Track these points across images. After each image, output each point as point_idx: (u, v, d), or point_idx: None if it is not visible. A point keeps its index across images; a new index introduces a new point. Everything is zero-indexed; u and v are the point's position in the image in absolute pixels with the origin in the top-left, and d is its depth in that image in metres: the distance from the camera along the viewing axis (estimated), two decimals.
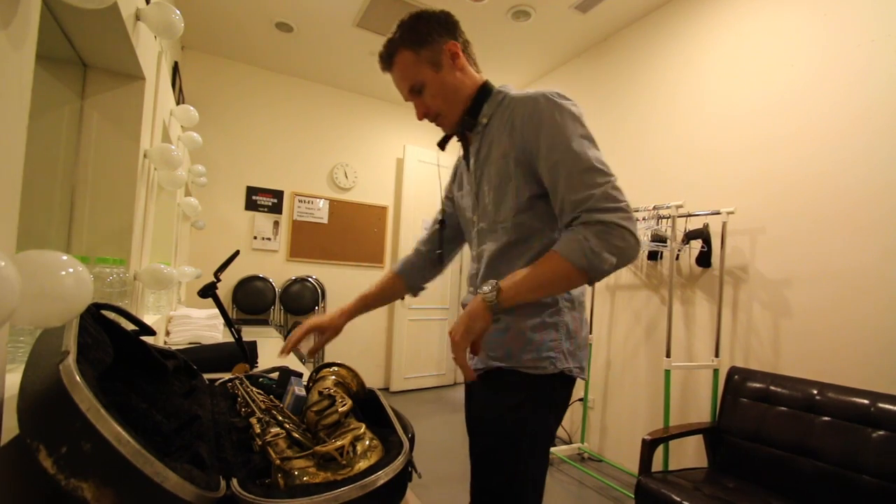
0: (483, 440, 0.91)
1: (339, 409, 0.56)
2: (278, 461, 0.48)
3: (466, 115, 0.94)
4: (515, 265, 0.88)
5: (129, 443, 0.35)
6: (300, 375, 1.19)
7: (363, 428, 0.54)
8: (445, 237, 1.13)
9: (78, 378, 0.36)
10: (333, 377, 0.67)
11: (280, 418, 0.58)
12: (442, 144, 1.05)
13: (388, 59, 0.93)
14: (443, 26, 0.92)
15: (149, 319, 1.42)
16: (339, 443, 0.49)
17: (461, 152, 1.05)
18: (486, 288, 0.77)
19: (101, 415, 0.35)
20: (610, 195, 0.76)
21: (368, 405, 0.68)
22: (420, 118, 0.97)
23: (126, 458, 0.34)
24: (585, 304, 0.96)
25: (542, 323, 0.88)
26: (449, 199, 1.15)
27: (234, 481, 0.44)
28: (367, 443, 0.52)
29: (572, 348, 0.90)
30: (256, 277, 3.59)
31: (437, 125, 0.98)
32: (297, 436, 0.54)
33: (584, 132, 0.82)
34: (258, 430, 0.55)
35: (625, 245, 0.73)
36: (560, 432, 3.01)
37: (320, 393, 0.61)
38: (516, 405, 0.87)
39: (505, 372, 0.89)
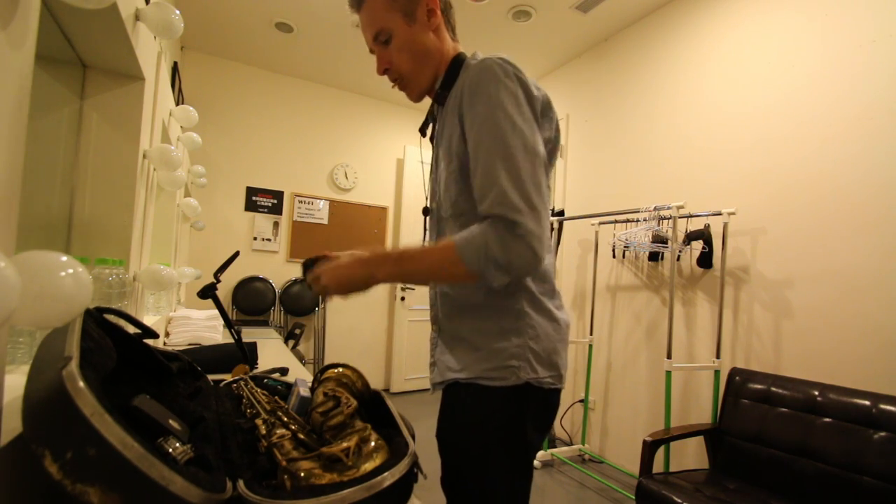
0: (447, 462, 0.83)
1: (345, 411, 0.56)
2: (284, 462, 0.48)
3: (441, 88, 0.84)
4: None
5: (133, 447, 0.34)
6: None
7: (369, 429, 0.53)
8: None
9: (81, 383, 0.35)
10: (338, 378, 0.67)
11: (285, 419, 0.58)
12: (423, 130, 0.94)
13: None
14: None
15: (148, 320, 1.41)
16: (344, 444, 0.49)
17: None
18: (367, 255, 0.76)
19: (106, 419, 0.34)
20: (524, 192, 0.68)
21: (371, 406, 0.67)
22: (380, 72, 0.85)
23: (131, 463, 0.34)
24: (559, 289, 0.85)
25: (500, 329, 0.78)
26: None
27: (241, 482, 0.44)
28: (373, 444, 0.51)
29: (543, 354, 0.78)
30: (256, 278, 3.58)
31: (400, 88, 0.87)
32: (302, 437, 0.54)
33: (517, 112, 0.72)
34: (264, 432, 0.55)
35: (521, 263, 0.67)
36: (561, 433, 3.00)
37: (325, 394, 0.60)
38: (478, 423, 0.77)
39: (462, 386, 0.79)
